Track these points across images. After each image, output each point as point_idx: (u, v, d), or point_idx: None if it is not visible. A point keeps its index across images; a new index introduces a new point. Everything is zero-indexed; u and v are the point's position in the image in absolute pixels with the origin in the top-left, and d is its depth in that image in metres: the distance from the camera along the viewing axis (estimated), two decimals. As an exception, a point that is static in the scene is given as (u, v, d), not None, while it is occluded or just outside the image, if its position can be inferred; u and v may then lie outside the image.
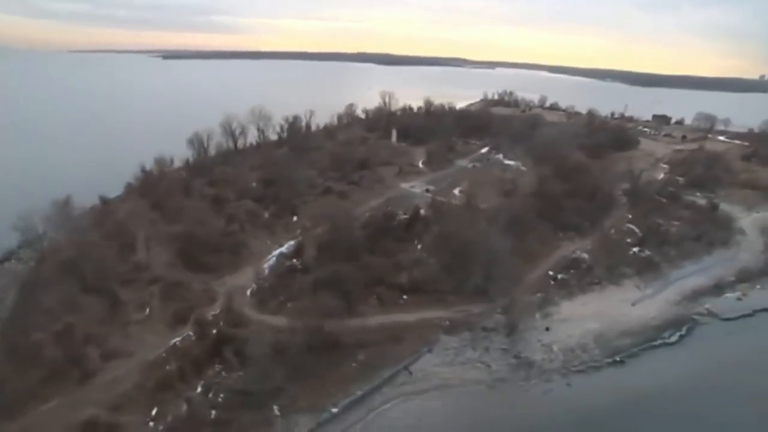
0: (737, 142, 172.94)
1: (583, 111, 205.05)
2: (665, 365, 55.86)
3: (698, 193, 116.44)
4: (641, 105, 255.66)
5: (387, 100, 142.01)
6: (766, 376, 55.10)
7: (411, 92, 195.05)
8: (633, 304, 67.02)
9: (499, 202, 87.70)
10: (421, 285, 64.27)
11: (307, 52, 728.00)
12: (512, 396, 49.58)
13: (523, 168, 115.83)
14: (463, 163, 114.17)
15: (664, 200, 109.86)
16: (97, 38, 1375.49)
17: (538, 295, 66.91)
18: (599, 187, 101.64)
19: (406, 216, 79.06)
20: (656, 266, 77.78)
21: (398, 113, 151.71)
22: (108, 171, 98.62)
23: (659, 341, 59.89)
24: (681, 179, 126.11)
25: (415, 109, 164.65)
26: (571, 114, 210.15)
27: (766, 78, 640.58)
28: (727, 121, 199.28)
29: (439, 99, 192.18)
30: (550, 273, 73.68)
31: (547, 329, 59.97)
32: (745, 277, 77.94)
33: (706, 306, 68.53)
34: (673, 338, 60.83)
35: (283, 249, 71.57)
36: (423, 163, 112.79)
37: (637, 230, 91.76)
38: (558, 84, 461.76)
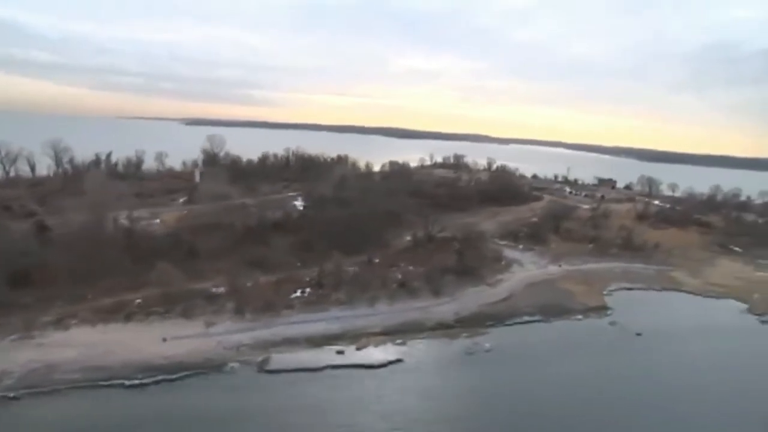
0: (668, 205, 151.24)
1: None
2: (63, 407, 40.56)
3: (521, 246, 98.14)
4: (628, 175, 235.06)
5: (212, 146, 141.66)
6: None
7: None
8: (164, 340, 51.51)
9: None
10: None
11: (330, 125, 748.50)
12: None
13: (301, 208, 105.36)
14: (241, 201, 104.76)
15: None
16: (141, 107, 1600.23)
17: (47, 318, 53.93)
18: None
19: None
20: (276, 307, 60.90)
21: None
22: None
23: (124, 381, 44.33)
24: (525, 230, 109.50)
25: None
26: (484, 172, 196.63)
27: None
28: (674, 186, 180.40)
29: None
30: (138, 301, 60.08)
31: (-6, 351, 47.25)
32: (399, 330, 58.78)
33: (271, 355, 50.97)
34: (146, 381, 44.70)
35: None
36: (183, 201, 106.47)
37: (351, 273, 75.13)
38: (559, 158, 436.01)
